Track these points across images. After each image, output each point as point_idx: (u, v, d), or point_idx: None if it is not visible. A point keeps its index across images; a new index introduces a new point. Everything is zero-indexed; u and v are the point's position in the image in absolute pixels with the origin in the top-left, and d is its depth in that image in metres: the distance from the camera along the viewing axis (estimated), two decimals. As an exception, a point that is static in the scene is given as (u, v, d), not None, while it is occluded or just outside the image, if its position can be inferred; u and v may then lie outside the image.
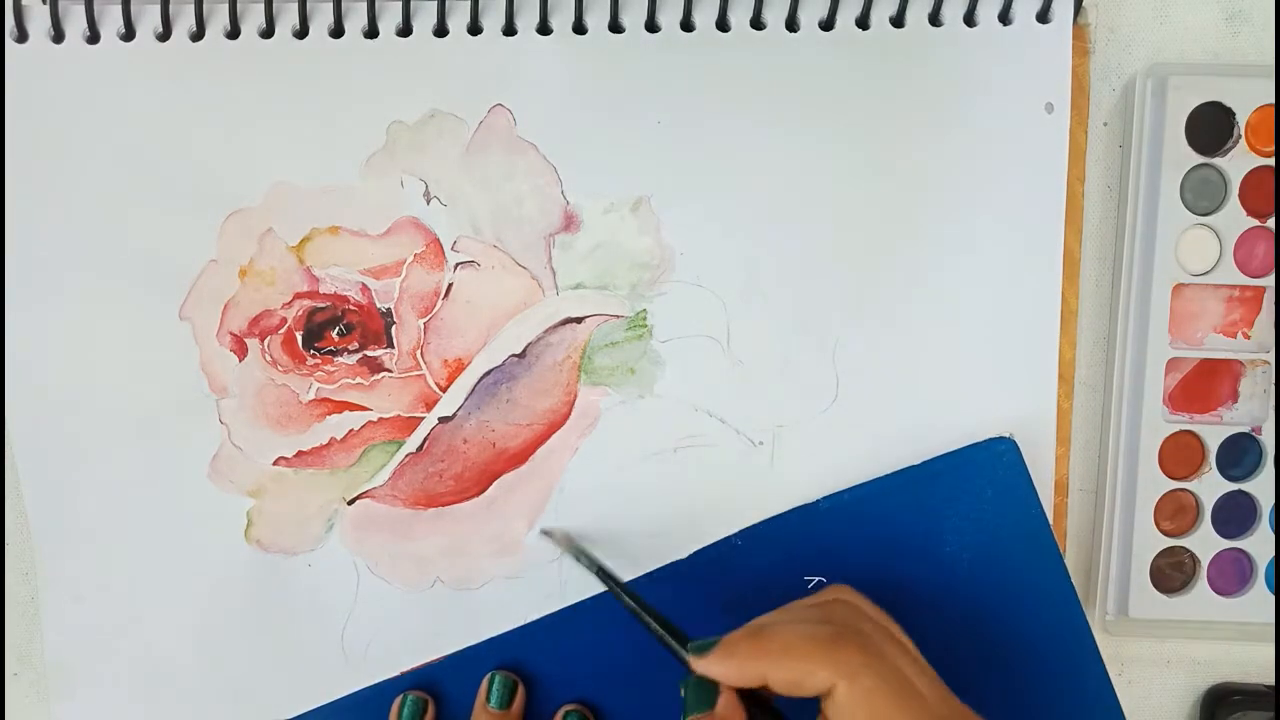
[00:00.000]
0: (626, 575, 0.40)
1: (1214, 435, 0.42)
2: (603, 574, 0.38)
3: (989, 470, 0.40)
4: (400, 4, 0.40)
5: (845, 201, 0.40)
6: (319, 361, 0.41)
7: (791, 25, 0.40)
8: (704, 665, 0.33)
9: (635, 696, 0.41)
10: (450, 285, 0.41)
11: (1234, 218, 0.41)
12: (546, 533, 0.41)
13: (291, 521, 0.41)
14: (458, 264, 0.41)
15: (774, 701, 0.34)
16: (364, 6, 0.40)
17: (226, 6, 0.39)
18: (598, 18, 0.40)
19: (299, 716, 0.41)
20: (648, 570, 0.41)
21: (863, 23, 0.40)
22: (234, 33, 0.40)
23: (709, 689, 0.33)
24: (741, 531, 0.41)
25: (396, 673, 0.41)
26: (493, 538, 0.41)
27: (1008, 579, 0.40)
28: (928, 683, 0.32)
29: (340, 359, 0.41)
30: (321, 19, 0.40)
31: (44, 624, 0.42)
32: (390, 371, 0.41)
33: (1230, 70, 0.41)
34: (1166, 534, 0.42)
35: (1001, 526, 0.40)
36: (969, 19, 0.40)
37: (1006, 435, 0.40)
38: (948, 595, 0.40)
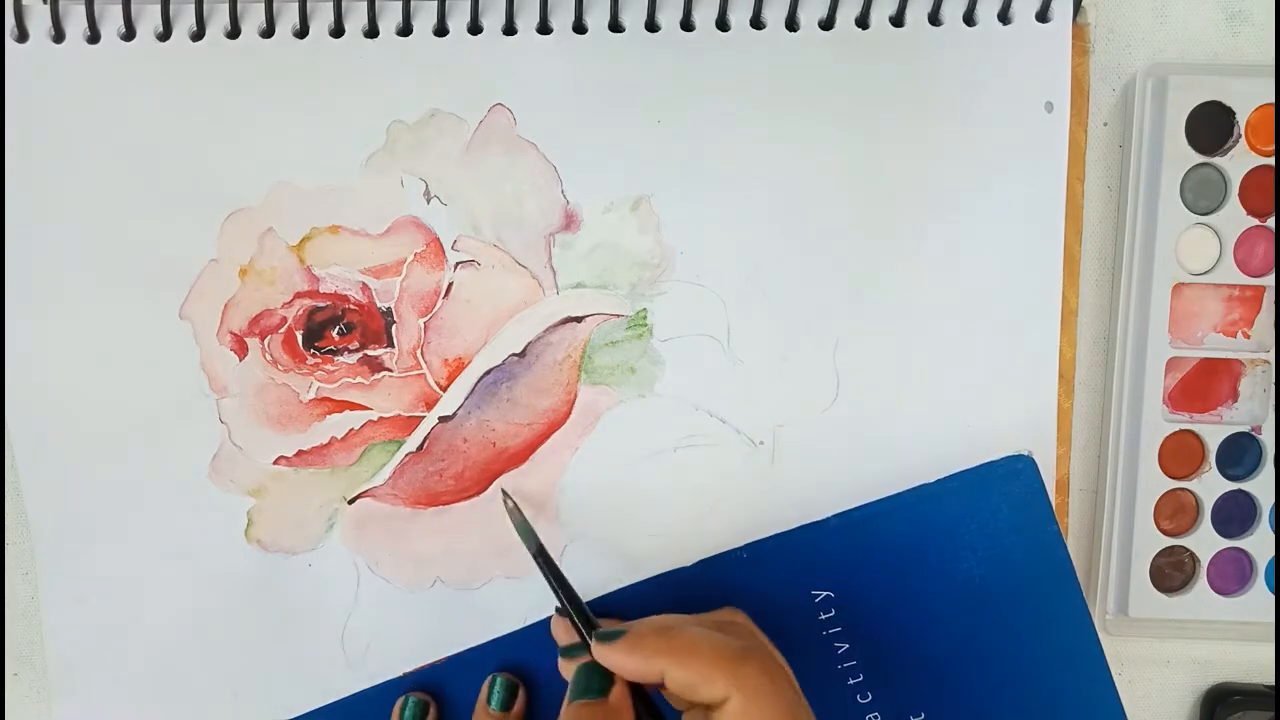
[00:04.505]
0: (627, 578, 0.40)
1: (1214, 435, 0.42)
2: (538, 549, 0.38)
3: (1006, 488, 0.40)
4: (400, 4, 0.40)
5: (845, 200, 0.40)
6: (319, 361, 0.41)
7: (791, 25, 0.40)
8: (606, 653, 0.33)
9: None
10: (450, 284, 0.41)
11: (1234, 217, 0.41)
12: (506, 494, 0.41)
13: (292, 521, 0.41)
14: (458, 263, 0.41)
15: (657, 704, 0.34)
16: (364, 6, 0.40)
17: (226, 6, 0.39)
18: (598, 18, 0.40)
19: (299, 717, 0.41)
20: (650, 574, 0.40)
21: (862, 22, 0.40)
22: (234, 33, 0.40)
23: (603, 677, 0.33)
24: (748, 545, 0.40)
25: (397, 673, 0.41)
26: (493, 537, 0.41)
27: (1021, 596, 0.40)
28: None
29: (340, 358, 0.41)
30: (321, 19, 0.40)
31: (44, 624, 0.42)
32: (390, 371, 0.41)
33: (1230, 70, 0.41)
34: (1166, 533, 0.42)
35: (1016, 545, 0.40)
36: (969, 18, 0.40)
37: (1025, 453, 0.40)
38: (959, 612, 0.40)
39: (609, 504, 0.41)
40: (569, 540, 0.41)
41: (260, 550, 0.41)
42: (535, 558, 0.38)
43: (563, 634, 0.38)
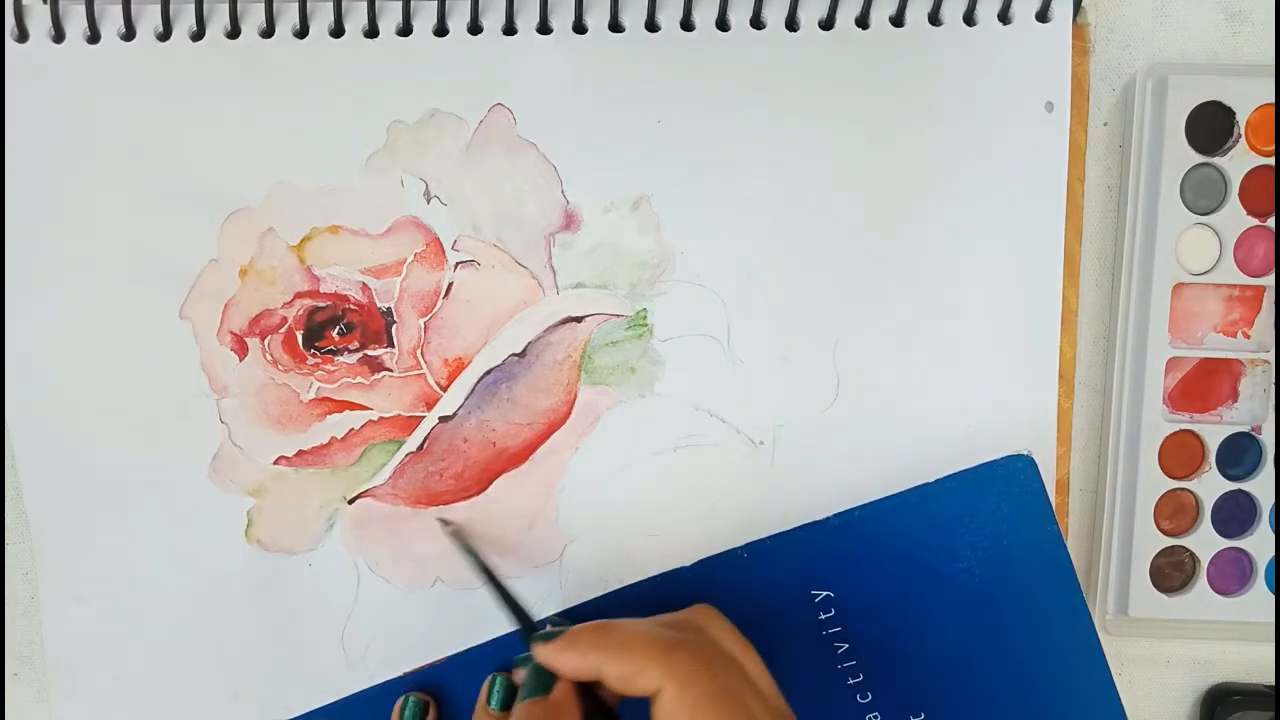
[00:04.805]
0: (627, 578, 0.41)
1: (1214, 435, 0.42)
2: (476, 559, 0.39)
3: (1005, 488, 0.40)
4: (400, 4, 0.40)
5: (845, 200, 0.40)
6: (319, 361, 0.41)
7: (791, 24, 0.40)
8: (544, 653, 0.34)
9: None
10: (450, 284, 0.41)
11: (1234, 217, 0.41)
12: (443, 521, 0.41)
13: (292, 521, 0.41)
14: (458, 263, 0.41)
15: (615, 708, 0.35)
16: (364, 6, 0.40)
17: (226, 6, 0.39)
18: (598, 18, 0.40)
19: (299, 717, 0.41)
20: (650, 574, 0.40)
21: (862, 22, 0.40)
22: (234, 33, 0.40)
23: (547, 677, 0.34)
24: (748, 545, 0.40)
25: (397, 673, 0.41)
26: (493, 537, 0.41)
27: (1021, 596, 0.40)
28: (763, 708, 0.32)
29: (341, 358, 0.41)
30: (321, 19, 0.40)
31: (44, 624, 0.42)
32: (391, 371, 0.41)
33: (1230, 70, 0.41)
34: (1166, 533, 0.42)
35: (1016, 545, 0.40)
36: (969, 18, 0.40)
37: (1024, 452, 0.40)
38: (959, 611, 0.40)
39: (609, 504, 0.41)
40: (569, 540, 0.41)
41: (260, 550, 0.41)
42: (480, 574, 0.39)
43: None
